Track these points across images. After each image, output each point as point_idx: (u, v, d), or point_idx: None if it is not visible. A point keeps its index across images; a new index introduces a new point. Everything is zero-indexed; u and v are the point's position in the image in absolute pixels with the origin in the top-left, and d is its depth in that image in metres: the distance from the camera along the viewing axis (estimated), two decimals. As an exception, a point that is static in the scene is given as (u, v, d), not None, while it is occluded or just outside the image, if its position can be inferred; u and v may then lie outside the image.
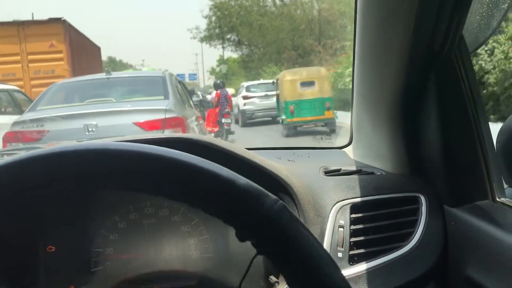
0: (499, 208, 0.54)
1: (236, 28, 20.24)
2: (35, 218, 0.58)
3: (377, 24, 0.56)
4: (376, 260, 0.55)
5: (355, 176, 0.66)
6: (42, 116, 2.90)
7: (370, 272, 0.54)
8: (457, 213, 0.56)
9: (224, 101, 6.39)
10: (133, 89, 3.60)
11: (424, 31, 0.50)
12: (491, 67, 4.67)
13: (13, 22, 7.25)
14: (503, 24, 4.43)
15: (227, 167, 0.29)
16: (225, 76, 24.24)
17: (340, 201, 0.60)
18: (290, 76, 7.37)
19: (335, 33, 15.66)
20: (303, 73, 7.56)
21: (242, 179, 0.28)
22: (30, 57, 7.20)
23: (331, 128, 6.97)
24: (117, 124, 2.72)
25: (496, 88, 4.57)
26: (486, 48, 4.68)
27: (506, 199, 0.55)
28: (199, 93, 7.43)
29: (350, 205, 0.59)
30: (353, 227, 0.58)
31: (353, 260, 0.56)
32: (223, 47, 22.66)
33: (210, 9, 20.90)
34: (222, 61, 25.44)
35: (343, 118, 6.74)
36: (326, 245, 0.56)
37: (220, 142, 0.59)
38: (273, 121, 9.13)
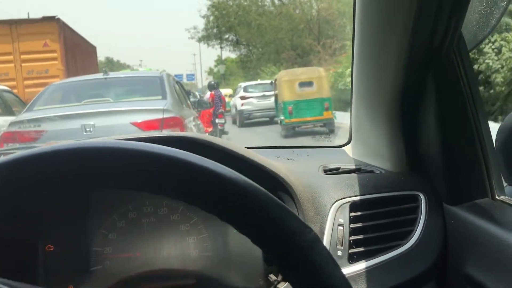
0: (498, 206, 0.55)
1: (234, 28, 20.26)
2: (34, 217, 0.58)
3: (376, 23, 0.56)
4: (375, 259, 0.56)
5: (355, 175, 0.67)
6: (39, 116, 2.90)
7: (369, 271, 0.55)
8: (456, 211, 0.56)
9: (218, 102, 6.54)
10: (131, 89, 3.61)
11: (423, 30, 0.50)
12: (499, 66, 4.60)
13: (6, 21, 7.17)
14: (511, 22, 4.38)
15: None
16: (223, 77, 24.24)
17: (340, 199, 0.60)
18: (288, 76, 7.37)
19: (334, 33, 15.71)
20: (302, 73, 7.57)
21: (279, 205, 0.28)
22: (23, 56, 7.14)
23: (329, 128, 6.97)
24: (115, 124, 2.73)
25: (504, 87, 4.50)
26: (493, 47, 4.62)
27: (506, 197, 0.56)
28: (196, 93, 7.49)
29: (349, 203, 0.60)
30: (352, 225, 0.58)
31: (353, 258, 0.56)
32: (221, 47, 22.68)
33: (208, 9, 20.93)
34: (220, 61, 25.44)
35: (343, 119, 6.75)
36: (325, 243, 0.57)
37: (219, 140, 0.60)
38: (271, 121, 9.16)
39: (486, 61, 4.63)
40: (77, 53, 8.35)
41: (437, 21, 0.50)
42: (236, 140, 6.77)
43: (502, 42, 4.67)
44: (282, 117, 7.19)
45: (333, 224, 0.58)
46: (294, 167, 0.68)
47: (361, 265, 0.55)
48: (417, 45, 0.52)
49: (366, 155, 0.79)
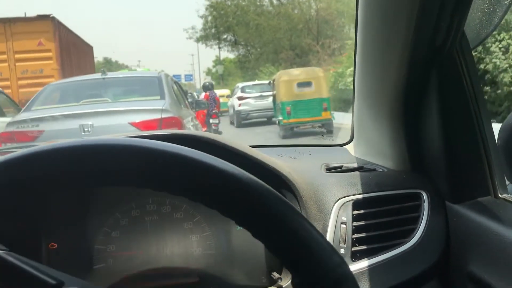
0: (501, 204, 0.55)
1: (232, 28, 20.26)
2: (37, 215, 0.59)
3: (379, 21, 0.57)
4: (378, 257, 0.56)
5: (357, 173, 0.67)
6: (37, 116, 2.91)
7: (372, 269, 0.55)
8: (459, 209, 0.57)
9: (212, 103, 6.66)
10: (129, 89, 3.63)
11: (425, 28, 0.51)
12: (507, 65, 4.47)
13: (-1, 19, 7.22)
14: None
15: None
16: (221, 77, 24.22)
17: (342, 197, 0.61)
18: (286, 77, 7.37)
19: (333, 33, 15.74)
20: (300, 73, 7.56)
21: (316, 233, 0.28)
22: (17, 56, 7.07)
23: (328, 129, 6.97)
24: (113, 124, 2.73)
25: (512, 87, 4.43)
26: (500, 46, 4.49)
27: (508, 195, 0.56)
28: (195, 94, 7.54)
29: (352, 201, 0.60)
30: (355, 223, 0.58)
31: (355, 256, 0.56)
32: (219, 47, 22.69)
33: (206, 8, 20.98)
34: (218, 61, 25.45)
35: (342, 119, 6.76)
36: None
37: (222, 138, 0.60)
38: (269, 121, 9.21)
39: (493, 60, 4.48)
40: (73, 52, 8.29)
41: (440, 19, 0.50)
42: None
43: (510, 41, 4.52)
44: (280, 118, 7.18)
45: (335, 222, 0.58)
46: (296, 166, 0.68)
47: (364, 263, 0.55)
48: (419, 44, 0.52)
49: (368, 153, 0.79)
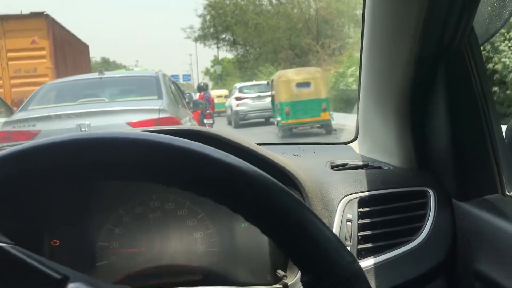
0: (508, 202, 0.55)
1: (231, 28, 20.30)
2: (39, 212, 0.59)
3: (387, 16, 0.56)
4: (384, 255, 0.56)
5: (362, 171, 0.67)
6: (34, 116, 2.92)
7: (378, 267, 0.55)
8: (466, 207, 0.56)
9: (206, 103, 6.80)
10: (126, 89, 3.64)
11: (434, 23, 0.50)
12: None
13: (-9, 17, 7.16)
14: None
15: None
16: (219, 77, 24.26)
17: (348, 195, 0.61)
18: (285, 77, 7.37)
19: (333, 32, 15.78)
20: (299, 73, 7.56)
21: (326, 229, 0.28)
22: (9, 54, 7.01)
23: (327, 129, 6.99)
24: (110, 124, 2.72)
25: (521, 88, 4.29)
26: (510, 45, 4.39)
27: (516, 193, 0.56)
28: (193, 94, 7.64)
29: (358, 199, 0.60)
30: (361, 221, 0.58)
31: (361, 254, 0.56)
32: (217, 47, 22.72)
33: (205, 8, 20.98)
34: (216, 61, 25.48)
35: (344, 120, 6.75)
36: None
37: (227, 134, 0.60)
38: (266, 122, 9.25)
39: (503, 59, 4.35)
40: (68, 51, 8.24)
41: (449, 15, 0.50)
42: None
43: (520, 39, 4.50)
44: (278, 118, 7.19)
45: (341, 219, 0.58)
46: (301, 163, 0.68)
47: (370, 261, 0.56)
48: (427, 39, 0.52)
49: (374, 151, 0.79)
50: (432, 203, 0.59)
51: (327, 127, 7.01)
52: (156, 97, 3.18)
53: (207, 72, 31.22)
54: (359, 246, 0.57)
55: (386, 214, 0.59)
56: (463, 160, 0.57)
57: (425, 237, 0.57)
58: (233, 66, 24.28)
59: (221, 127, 6.99)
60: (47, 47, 7.13)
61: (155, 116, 2.79)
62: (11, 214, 0.51)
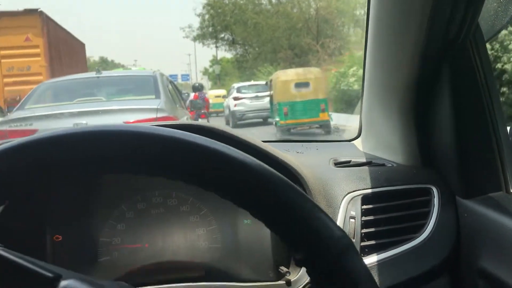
0: None
1: (230, 27, 20.30)
2: (42, 207, 0.59)
3: (392, 12, 0.56)
4: (387, 252, 0.56)
5: (366, 168, 0.67)
6: (31, 115, 2.94)
7: (381, 264, 0.55)
8: (470, 204, 0.56)
9: (201, 103, 7.03)
10: (124, 88, 3.65)
11: (439, 19, 0.50)
12: None
13: (-17, 14, 7.10)
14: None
15: None
16: (218, 77, 24.26)
17: (351, 192, 0.61)
18: (284, 77, 7.38)
19: (333, 32, 15.80)
20: (298, 73, 7.57)
21: (317, 208, 0.28)
22: (2, 52, 6.93)
23: (325, 130, 7.00)
24: (108, 123, 2.76)
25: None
26: None
27: (520, 191, 0.57)
28: (191, 94, 7.70)
29: (361, 196, 0.60)
30: (364, 218, 0.59)
31: (364, 251, 0.57)
32: (216, 47, 22.71)
33: (204, 7, 20.93)
34: (215, 61, 25.50)
35: (345, 121, 6.72)
36: None
37: (232, 130, 0.61)
38: (264, 122, 9.29)
39: None
40: (63, 49, 8.18)
41: (454, 11, 0.50)
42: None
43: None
44: (277, 118, 7.20)
45: (344, 216, 0.58)
46: (304, 160, 0.68)
47: (373, 258, 0.56)
48: (433, 35, 0.52)
49: (377, 148, 0.79)
50: (436, 200, 0.60)
51: (325, 128, 7.01)
52: (153, 96, 3.19)
53: (205, 72, 31.25)
54: (362, 243, 0.57)
55: (390, 211, 0.59)
56: (467, 158, 0.57)
57: (428, 235, 0.57)
58: (232, 66, 24.30)
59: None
60: (41, 45, 7.07)
61: (152, 115, 2.81)
62: (13, 210, 0.52)
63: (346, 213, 0.58)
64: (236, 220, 0.62)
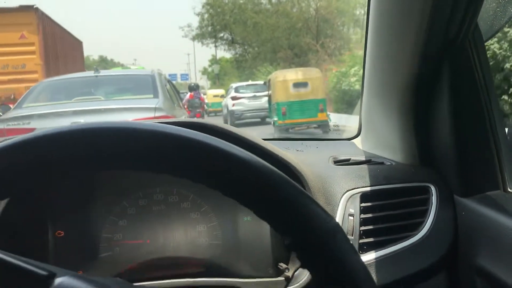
0: (510, 198, 0.55)
1: (229, 26, 20.29)
2: (44, 203, 0.60)
3: (391, 11, 0.57)
4: (385, 249, 0.57)
5: (365, 166, 0.68)
6: (28, 114, 2.94)
7: (379, 261, 0.56)
8: (467, 203, 0.57)
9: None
10: (122, 87, 3.66)
11: (439, 19, 0.51)
12: None
13: (-23, 10, 7.02)
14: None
15: None
16: (217, 76, 24.25)
17: (350, 190, 0.61)
18: (282, 77, 7.36)
19: (333, 32, 15.82)
20: (296, 73, 7.56)
21: (305, 194, 0.29)
22: (-3, 50, 6.93)
23: (324, 130, 7.01)
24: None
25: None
26: None
27: (517, 189, 0.57)
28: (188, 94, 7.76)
29: (360, 194, 0.61)
30: (363, 216, 0.59)
31: (363, 249, 0.57)
32: (215, 46, 22.68)
33: (203, 6, 20.93)
34: (214, 61, 25.50)
35: (346, 122, 6.72)
36: None
37: (232, 128, 0.61)
38: (262, 122, 9.31)
39: None
40: (59, 47, 8.11)
41: (453, 11, 0.50)
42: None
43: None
44: (275, 118, 7.20)
45: (343, 214, 0.59)
46: (303, 158, 0.69)
47: (371, 256, 0.56)
48: (432, 35, 0.52)
49: (377, 147, 0.80)
50: (434, 198, 0.60)
51: (324, 128, 7.01)
52: (151, 95, 3.20)
53: (204, 72, 31.24)
54: (361, 241, 0.57)
55: (388, 209, 0.60)
56: (465, 157, 0.58)
57: (426, 233, 0.57)
58: (231, 65, 24.29)
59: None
60: (36, 42, 6.99)
61: (150, 114, 2.81)
62: (16, 207, 0.53)
63: (345, 210, 0.59)
64: (236, 217, 0.62)
